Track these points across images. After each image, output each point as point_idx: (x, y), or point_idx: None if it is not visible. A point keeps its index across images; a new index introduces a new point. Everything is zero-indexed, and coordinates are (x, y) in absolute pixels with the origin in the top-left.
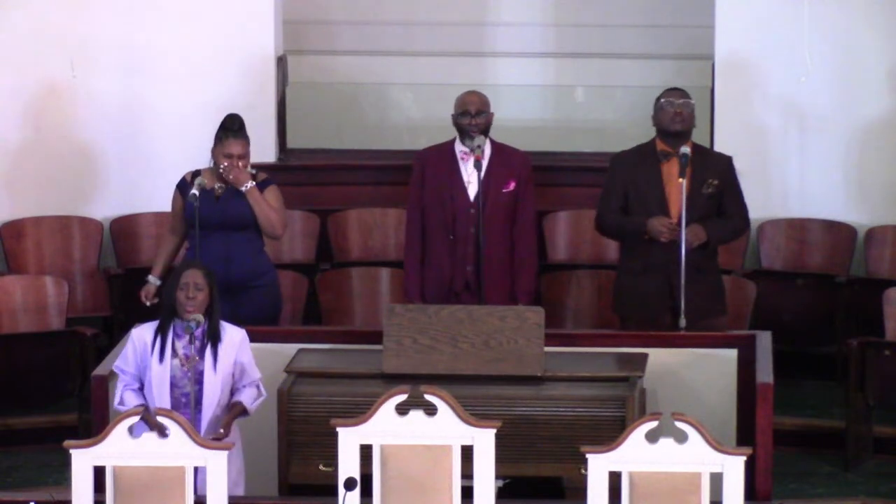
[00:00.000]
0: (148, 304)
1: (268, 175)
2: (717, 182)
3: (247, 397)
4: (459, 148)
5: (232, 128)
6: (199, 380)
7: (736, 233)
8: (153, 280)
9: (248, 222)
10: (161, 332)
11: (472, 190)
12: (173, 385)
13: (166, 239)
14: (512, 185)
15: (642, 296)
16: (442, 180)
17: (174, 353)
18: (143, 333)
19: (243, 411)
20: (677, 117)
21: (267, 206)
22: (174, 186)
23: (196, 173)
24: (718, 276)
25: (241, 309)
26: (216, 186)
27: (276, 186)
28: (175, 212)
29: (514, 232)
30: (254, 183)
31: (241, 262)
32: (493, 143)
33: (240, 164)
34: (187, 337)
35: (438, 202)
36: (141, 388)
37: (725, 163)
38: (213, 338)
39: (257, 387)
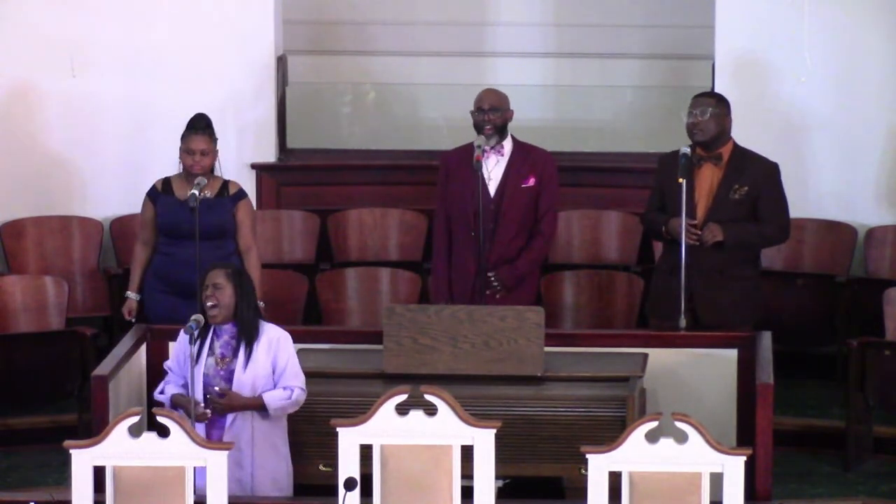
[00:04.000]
0: (133, 320)
1: (240, 187)
2: (746, 188)
3: (271, 395)
4: (486, 144)
5: (196, 125)
6: (229, 378)
7: (765, 239)
8: (133, 296)
9: (219, 232)
10: (200, 332)
11: (493, 187)
12: (206, 384)
13: (138, 252)
14: (532, 181)
15: (667, 296)
16: (463, 179)
17: (211, 351)
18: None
19: (262, 406)
20: (695, 129)
21: (259, 276)
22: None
23: (165, 181)
24: (750, 284)
25: None
26: (201, 195)
27: (249, 200)
28: (145, 221)
29: (534, 232)
30: (261, 304)
31: None
32: (514, 140)
33: (204, 161)
34: (188, 337)
35: (460, 201)
36: (185, 386)
37: (764, 168)
38: (247, 337)
39: (291, 391)
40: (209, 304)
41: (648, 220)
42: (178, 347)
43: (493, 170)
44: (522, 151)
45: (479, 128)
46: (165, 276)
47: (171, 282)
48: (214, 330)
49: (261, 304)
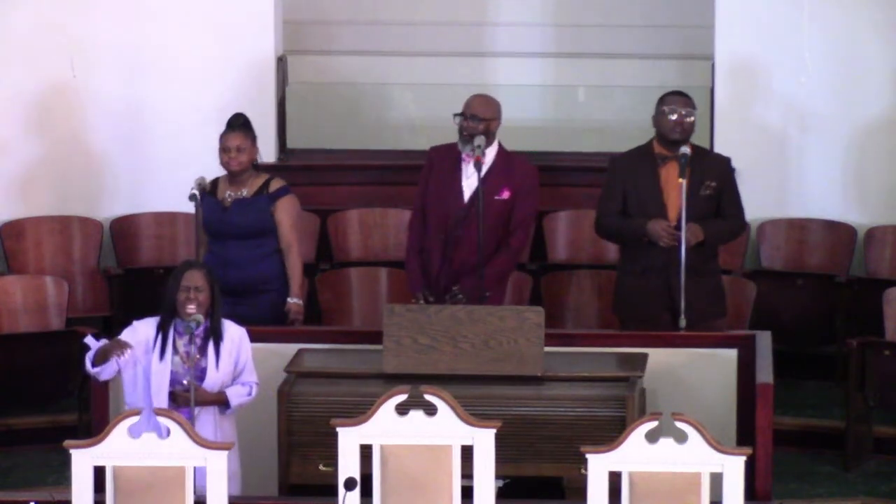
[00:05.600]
0: None
1: (282, 185)
2: (714, 184)
3: (233, 391)
4: (463, 149)
5: (233, 123)
6: (201, 377)
7: (733, 234)
8: None
9: (257, 231)
10: (162, 329)
11: (467, 193)
12: (174, 382)
13: (198, 254)
14: (506, 194)
15: (642, 297)
16: (443, 179)
17: (175, 350)
18: (145, 328)
19: (225, 402)
20: (678, 127)
21: (299, 274)
22: (184, 192)
23: (213, 182)
24: (718, 279)
25: (251, 311)
26: (226, 196)
27: (290, 198)
28: (197, 223)
29: (505, 243)
30: (296, 301)
31: (250, 268)
32: (500, 150)
33: (241, 157)
34: (187, 336)
35: (437, 200)
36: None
37: (724, 164)
38: (216, 336)
39: (250, 387)
40: (190, 307)
41: (612, 224)
42: (133, 337)
43: (471, 177)
44: (505, 162)
45: (458, 131)
46: None
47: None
48: (176, 327)
49: (300, 301)
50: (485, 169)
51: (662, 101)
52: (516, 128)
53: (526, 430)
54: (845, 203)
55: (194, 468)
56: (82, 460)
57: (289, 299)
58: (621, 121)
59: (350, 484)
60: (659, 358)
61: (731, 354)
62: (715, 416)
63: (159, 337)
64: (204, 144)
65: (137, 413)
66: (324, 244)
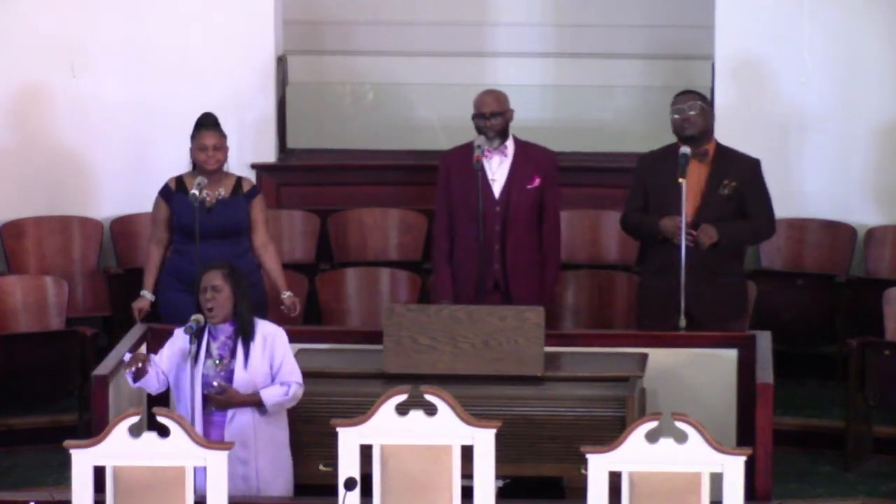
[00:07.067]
0: (139, 320)
1: (253, 184)
2: (734, 184)
3: (269, 392)
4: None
5: (206, 122)
6: (230, 378)
7: (756, 235)
8: (148, 296)
9: (235, 230)
10: (197, 333)
11: (497, 187)
12: (206, 385)
13: (152, 252)
14: (537, 181)
15: (658, 296)
16: (467, 180)
17: (208, 353)
18: (182, 334)
19: (259, 402)
20: (685, 123)
21: (281, 268)
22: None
23: (178, 180)
24: (739, 280)
25: None
26: (205, 196)
27: (262, 196)
28: (158, 221)
29: (542, 231)
30: (289, 294)
31: None
32: (516, 140)
33: (218, 155)
34: (187, 338)
35: (465, 202)
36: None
37: (750, 165)
38: (244, 335)
39: (288, 387)
40: (209, 306)
41: (633, 220)
42: (173, 346)
43: (497, 171)
44: (524, 151)
45: (481, 132)
46: (181, 274)
47: (186, 279)
48: (210, 331)
49: (289, 294)
50: (509, 160)
51: (671, 104)
52: (516, 128)
53: (526, 430)
54: (845, 203)
55: (193, 469)
56: (82, 460)
57: (284, 294)
58: (621, 121)
59: (350, 484)
60: (659, 358)
61: (731, 354)
62: (715, 416)
63: (195, 341)
64: None
65: (137, 413)
66: (324, 244)
